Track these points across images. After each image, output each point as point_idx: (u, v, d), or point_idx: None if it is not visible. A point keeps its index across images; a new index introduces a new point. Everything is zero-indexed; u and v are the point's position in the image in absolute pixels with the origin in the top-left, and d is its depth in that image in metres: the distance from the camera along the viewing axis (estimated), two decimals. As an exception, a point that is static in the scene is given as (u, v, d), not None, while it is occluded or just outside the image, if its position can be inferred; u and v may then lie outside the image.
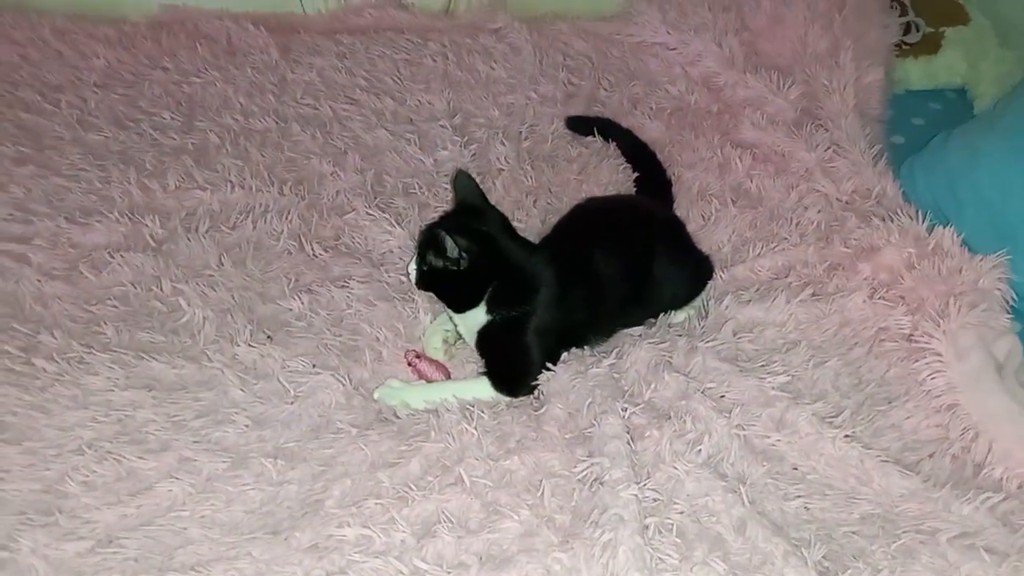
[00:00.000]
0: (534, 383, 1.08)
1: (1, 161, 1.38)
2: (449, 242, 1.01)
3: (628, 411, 1.03)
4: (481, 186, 1.42)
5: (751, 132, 1.56)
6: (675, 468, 0.96)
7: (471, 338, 1.11)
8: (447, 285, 1.07)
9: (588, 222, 1.24)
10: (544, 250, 1.14)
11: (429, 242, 1.05)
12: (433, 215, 1.35)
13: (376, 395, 1.08)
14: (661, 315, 1.21)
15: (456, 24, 1.83)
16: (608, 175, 1.48)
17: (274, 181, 1.40)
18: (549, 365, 1.09)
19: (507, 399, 1.09)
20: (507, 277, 1.07)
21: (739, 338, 1.17)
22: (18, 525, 0.88)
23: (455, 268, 1.03)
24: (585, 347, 1.14)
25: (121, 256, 1.23)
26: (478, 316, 1.07)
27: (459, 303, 1.08)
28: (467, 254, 1.02)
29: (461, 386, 1.09)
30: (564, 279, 1.08)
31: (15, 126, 1.45)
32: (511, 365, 1.10)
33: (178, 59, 1.65)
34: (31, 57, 1.61)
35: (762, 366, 1.12)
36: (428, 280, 1.08)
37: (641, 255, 1.17)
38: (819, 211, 1.37)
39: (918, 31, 1.76)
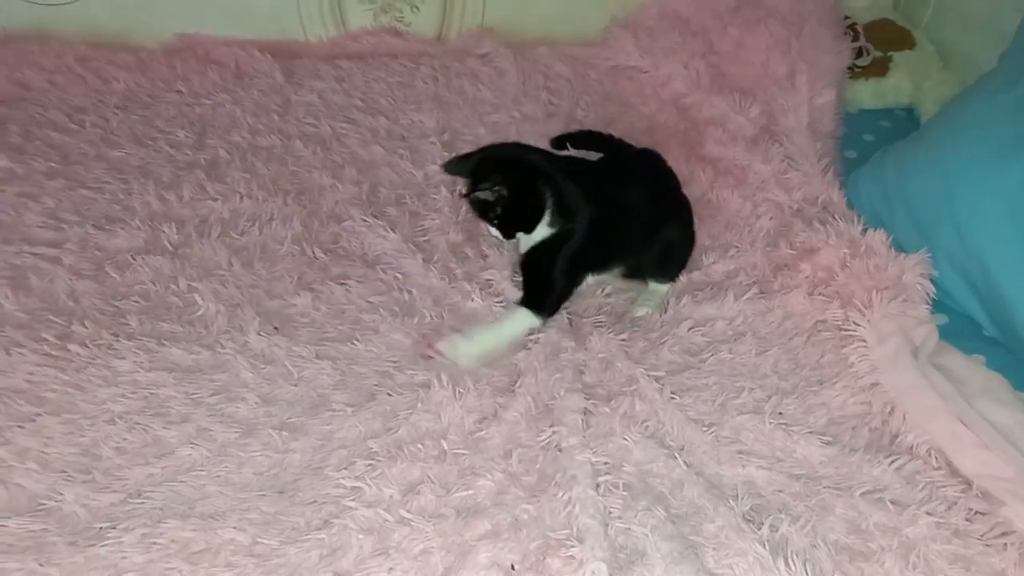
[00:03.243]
0: (559, 302, 1.27)
1: (34, 175, 1.50)
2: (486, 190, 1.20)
3: (588, 390, 1.17)
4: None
5: (714, 148, 1.69)
6: (624, 439, 1.10)
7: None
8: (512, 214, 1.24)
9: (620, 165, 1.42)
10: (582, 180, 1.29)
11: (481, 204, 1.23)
12: (423, 223, 1.49)
13: (440, 347, 1.20)
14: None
15: (446, 49, 1.96)
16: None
17: (278, 192, 1.52)
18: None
19: (540, 323, 1.24)
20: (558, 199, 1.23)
21: (692, 331, 1.30)
22: (61, 481, 1.01)
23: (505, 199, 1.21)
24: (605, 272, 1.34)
25: (142, 258, 1.34)
26: (541, 232, 1.24)
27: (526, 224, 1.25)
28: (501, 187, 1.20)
29: (507, 326, 1.24)
30: (600, 206, 1.25)
31: (45, 144, 1.58)
32: (542, 284, 1.25)
33: (191, 83, 1.77)
34: (58, 82, 1.73)
35: (711, 355, 1.25)
36: (505, 221, 1.24)
37: (660, 202, 1.38)
38: (771, 218, 1.50)
39: (868, 55, 1.90)
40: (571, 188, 1.25)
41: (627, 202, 1.30)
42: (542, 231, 1.25)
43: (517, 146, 1.38)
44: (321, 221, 1.48)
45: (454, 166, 1.34)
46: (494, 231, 1.27)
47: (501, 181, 1.20)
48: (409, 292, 1.34)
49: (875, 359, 1.19)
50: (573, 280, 1.30)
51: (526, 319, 1.24)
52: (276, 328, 1.26)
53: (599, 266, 1.34)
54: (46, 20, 1.84)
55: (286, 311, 1.30)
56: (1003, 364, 1.25)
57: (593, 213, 1.25)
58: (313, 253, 1.40)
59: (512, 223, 1.25)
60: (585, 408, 1.13)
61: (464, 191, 1.25)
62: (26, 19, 1.83)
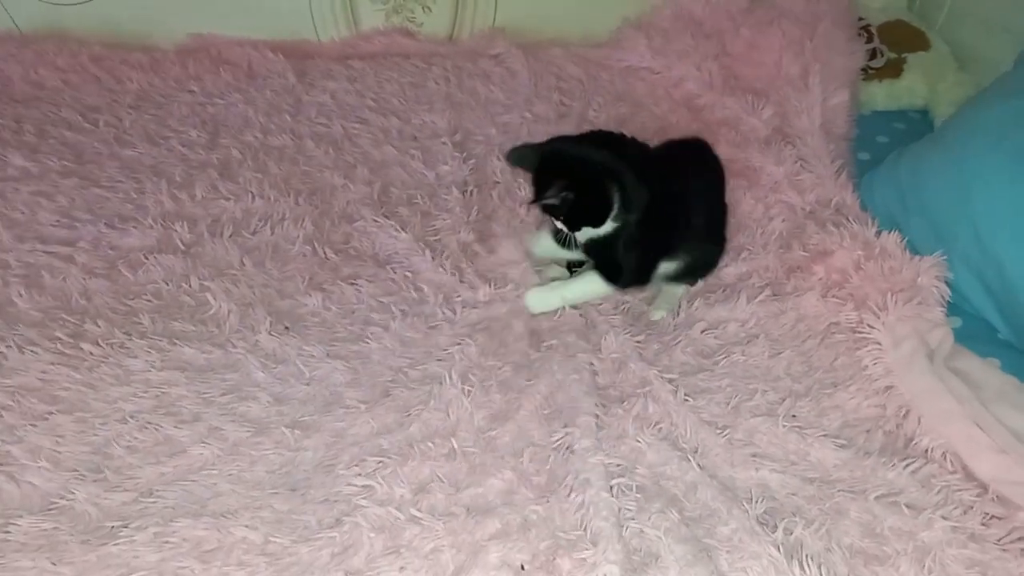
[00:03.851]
0: (638, 279, 1.30)
1: (48, 173, 1.51)
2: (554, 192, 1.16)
3: (601, 391, 1.16)
4: (478, 196, 1.58)
5: (727, 149, 1.67)
6: (638, 441, 1.09)
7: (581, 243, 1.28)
8: (580, 213, 1.21)
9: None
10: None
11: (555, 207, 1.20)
12: (434, 223, 1.49)
13: (528, 302, 1.30)
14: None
15: (458, 50, 1.96)
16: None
17: (290, 192, 1.52)
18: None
19: (612, 290, 1.29)
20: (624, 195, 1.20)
21: (705, 334, 1.29)
22: (73, 479, 1.02)
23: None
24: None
25: (154, 257, 1.35)
26: (606, 227, 1.22)
27: (594, 221, 1.22)
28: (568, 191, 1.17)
29: (585, 287, 1.29)
30: (658, 197, 1.23)
31: (60, 143, 1.59)
32: (616, 264, 1.26)
33: (203, 83, 1.78)
34: (72, 82, 1.75)
35: (724, 357, 1.24)
36: (573, 218, 1.21)
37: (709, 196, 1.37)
38: (783, 220, 1.49)
39: (882, 56, 1.89)
40: (634, 181, 1.21)
41: (682, 196, 1.28)
42: (608, 225, 1.22)
43: (581, 140, 1.31)
44: (333, 221, 1.48)
45: (517, 158, 1.28)
46: (560, 225, 1.24)
47: (567, 186, 1.16)
48: (420, 290, 1.34)
49: (890, 362, 1.18)
50: (647, 261, 1.29)
51: (599, 285, 1.28)
52: (287, 328, 1.27)
53: (664, 253, 1.31)
54: (61, 19, 1.85)
55: (297, 311, 1.30)
56: (1018, 368, 1.24)
57: (649, 203, 1.22)
58: (324, 253, 1.41)
59: (580, 220, 1.22)
60: (597, 411, 1.12)
61: (531, 197, 1.22)
62: (42, 19, 1.84)
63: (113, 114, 1.68)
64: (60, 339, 1.20)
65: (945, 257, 1.29)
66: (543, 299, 1.31)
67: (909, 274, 1.27)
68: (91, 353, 1.18)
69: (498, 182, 1.60)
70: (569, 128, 1.73)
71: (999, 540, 0.99)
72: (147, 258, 1.36)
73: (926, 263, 1.28)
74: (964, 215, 1.28)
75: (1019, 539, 0.99)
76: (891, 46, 1.90)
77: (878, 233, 1.37)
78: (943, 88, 1.81)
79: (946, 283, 1.28)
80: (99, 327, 1.23)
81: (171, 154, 1.60)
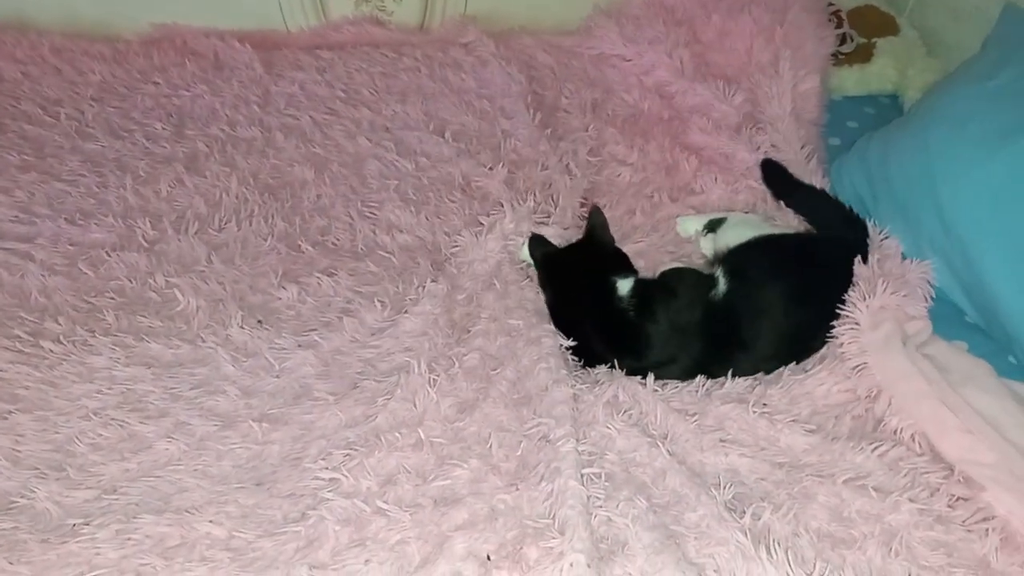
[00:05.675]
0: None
1: (7, 168, 1.47)
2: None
3: (571, 377, 1.16)
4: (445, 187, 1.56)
5: (699, 136, 1.68)
6: (608, 428, 1.09)
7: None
8: None
9: None
10: None
11: None
12: (411, 214, 1.48)
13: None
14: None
15: (429, 39, 1.93)
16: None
17: (259, 185, 1.50)
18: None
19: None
20: None
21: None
22: (33, 478, 1.00)
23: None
24: None
25: (117, 255, 1.33)
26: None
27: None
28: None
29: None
30: None
31: (19, 136, 1.55)
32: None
33: (168, 74, 1.74)
34: (32, 73, 1.70)
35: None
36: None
37: None
38: (753, 205, 1.51)
39: (852, 41, 1.89)
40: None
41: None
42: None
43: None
44: (304, 214, 1.46)
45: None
46: None
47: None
48: (399, 280, 1.33)
49: (865, 342, 1.18)
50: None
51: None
52: (260, 321, 1.25)
53: None
54: (20, 9, 1.81)
55: (271, 304, 1.28)
56: (985, 351, 1.25)
57: None
58: (298, 247, 1.38)
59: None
60: (573, 402, 1.11)
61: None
62: (2, 8, 1.79)
63: (75, 107, 1.64)
64: (19, 337, 1.17)
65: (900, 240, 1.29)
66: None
67: (898, 270, 1.27)
68: (51, 351, 1.16)
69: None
70: (541, 116, 1.71)
71: (964, 521, 1.00)
72: (109, 255, 1.33)
73: (917, 265, 1.29)
74: (930, 199, 1.29)
75: (983, 519, 1.00)
76: (861, 31, 1.91)
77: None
78: (912, 73, 1.82)
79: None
80: (60, 325, 1.20)
81: (135, 147, 1.57)
